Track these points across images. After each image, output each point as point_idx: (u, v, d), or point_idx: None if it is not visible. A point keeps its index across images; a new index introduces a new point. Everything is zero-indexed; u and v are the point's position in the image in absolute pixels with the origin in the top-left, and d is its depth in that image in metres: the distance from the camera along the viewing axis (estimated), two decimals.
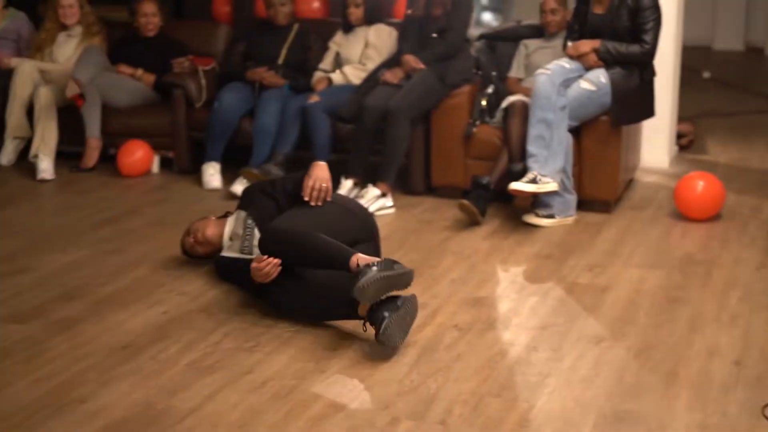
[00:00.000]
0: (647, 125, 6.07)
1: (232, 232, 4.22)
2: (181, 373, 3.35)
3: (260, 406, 3.10)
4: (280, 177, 4.39)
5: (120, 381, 3.29)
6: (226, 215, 4.37)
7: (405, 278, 3.51)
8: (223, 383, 3.26)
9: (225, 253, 4.21)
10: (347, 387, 3.24)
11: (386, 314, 3.39)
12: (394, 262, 3.51)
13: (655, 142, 6.25)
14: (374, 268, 3.42)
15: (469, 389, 3.21)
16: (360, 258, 3.54)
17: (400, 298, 3.48)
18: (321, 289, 3.70)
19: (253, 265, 3.74)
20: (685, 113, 7.02)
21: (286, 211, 4.07)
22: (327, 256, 3.64)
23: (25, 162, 6.41)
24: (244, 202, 4.27)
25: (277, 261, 3.68)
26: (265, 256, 3.70)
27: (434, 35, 5.61)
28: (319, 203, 4.05)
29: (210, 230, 4.26)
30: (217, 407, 3.09)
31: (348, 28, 6.08)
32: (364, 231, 4.09)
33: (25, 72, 6.38)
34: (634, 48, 5.10)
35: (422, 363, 3.42)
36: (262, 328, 3.74)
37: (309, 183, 4.05)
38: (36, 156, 6.23)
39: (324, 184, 4.06)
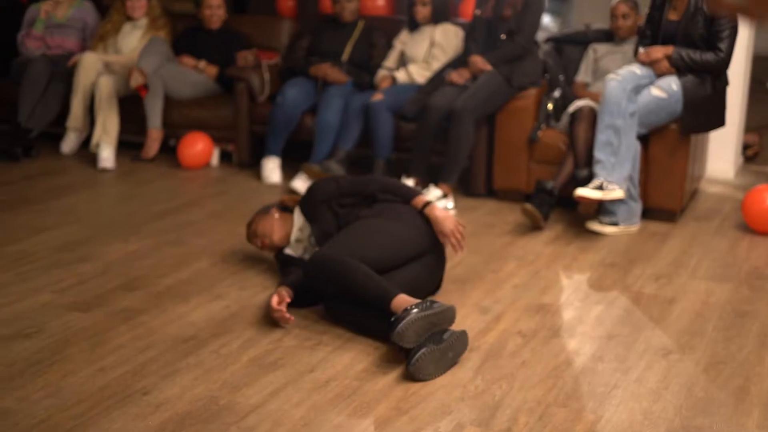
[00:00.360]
0: (714, 135, 5.97)
1: (297, 237, 4.15)
2: (244, 368, 3.33)
3: (324, 405, 3.07)
4: (346, 181, 4.09)
5: (182, 374, 3.27)
6: (285, 209, 4.23)
7: (446, 315, 3.40)
8: (285, 381, 3.24)
9: (287, 251, 4.18)
10: (410, 390, 3.19)
11: (424, 345, 3.28)
12: (434, 301, 3.40)
13: (721, 152, 6.14)
14: (414, 310, 3.31)
15: (535, 398, 3.16)
16: (401, 300, 3.42)
17: (448, 332, 3.37)
18: (372, 309, 3.56)
19: (273, 302, 3.67)
20: (749, 124, 6.89)
21: (348, 227, 3.87)
22: (367, 297, 3.52)
23: (86, 151, 6.45)
24: (310, 212, 4.07)
25: (290, 318, 3.63)
26: (284, 302, 3.66)
27: (503, 36, 5.55)
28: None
29: (277, 235, 4.14)
30: (280, 405, 3.06)
31: (414, 26, 6.03)
32: (427, 238, 3.93)
33: (89, 62, 6.40)
34: (708, 56, 4.98)
35: (486, 369, 3.36)
36: (323, 326, 3.71)
37: (450, 236, 3.91)
38: (97, 146, 6.26)
39: (462, 228, 3.95)
